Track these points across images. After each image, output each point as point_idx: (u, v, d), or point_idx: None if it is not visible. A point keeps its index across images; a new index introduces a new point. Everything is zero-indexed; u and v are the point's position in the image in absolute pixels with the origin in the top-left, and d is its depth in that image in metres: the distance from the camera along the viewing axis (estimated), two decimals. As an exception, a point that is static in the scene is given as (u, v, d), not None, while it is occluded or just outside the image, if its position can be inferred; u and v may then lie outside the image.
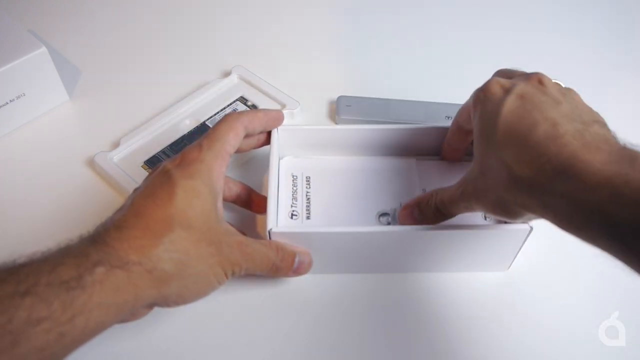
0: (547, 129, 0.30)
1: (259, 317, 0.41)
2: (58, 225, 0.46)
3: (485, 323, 0.41)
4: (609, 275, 0.44)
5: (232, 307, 0.42)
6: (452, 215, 0.38)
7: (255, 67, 0.59)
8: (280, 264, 0.38)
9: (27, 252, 0.30)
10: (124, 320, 0.32)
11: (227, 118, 0.39)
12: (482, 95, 0.35)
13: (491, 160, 0.33)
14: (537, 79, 0.34)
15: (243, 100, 0.57)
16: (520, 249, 0.41)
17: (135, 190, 0.36)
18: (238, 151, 0.41)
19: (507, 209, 0.33)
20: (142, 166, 0.50)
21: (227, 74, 0.59)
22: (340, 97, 0.56)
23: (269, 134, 0.44)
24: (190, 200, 0.33)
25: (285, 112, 0.55)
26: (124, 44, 0.65)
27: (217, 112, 0.55)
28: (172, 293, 0.32)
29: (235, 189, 0.43)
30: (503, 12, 0.71)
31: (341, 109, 0.55)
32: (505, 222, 0.39)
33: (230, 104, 0.56)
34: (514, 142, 0.31)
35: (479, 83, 0.36)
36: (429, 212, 0.39)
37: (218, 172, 0.36)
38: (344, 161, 0.47)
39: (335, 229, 0.40)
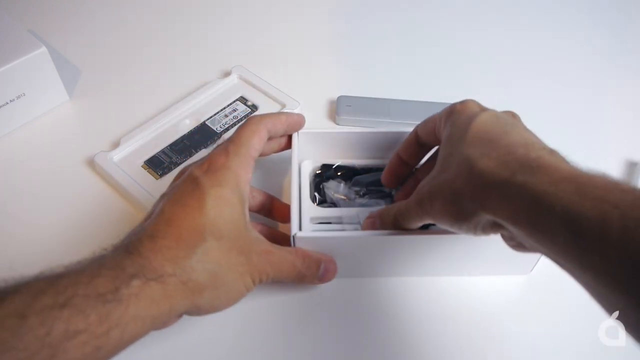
0: (518, 139, 0.31)
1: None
2: (58, 225, 0.46)
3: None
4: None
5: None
6: (407, 227, 0.38)
7: (255, 67, 0.59)
8: (306, 271, 0.38)
9: (63, 261, 0.30)
10: (155, 328, 0.32)
11: (251, 121, 0.39)
12: (459, 107, 0.36)
13: (454, 157, 0.33)
14: (510, 113, 0.36)
15: (243, 100, 0.57)
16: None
17: (163, 196, 0.36)
18: (260, 155, 0.40)
19: (459, 206, 0.31)
20: (142, 166, 0.50)
21: (227, 74, 0.59)
22: (340, 97, 0.56)
23: (289, 137, 0.44)
24: (220, 209, 0.33)
25: (285, 112, 0.55)
26: (124, 44, 0.65)
27: (217, 112, 0.55)
28: (204, 303, 0.32)
29: (259, 198, 0.43)
30: (503, 12, 0.71)
31: (341, 109, 0.55)
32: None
33: (230, 103, 0.56)
34: (483, 142, 0.31)
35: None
36: (388, 222, 0.38)
37: (245, 178, 0.36)
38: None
39: (360, 234, 0.39)
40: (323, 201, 0.45)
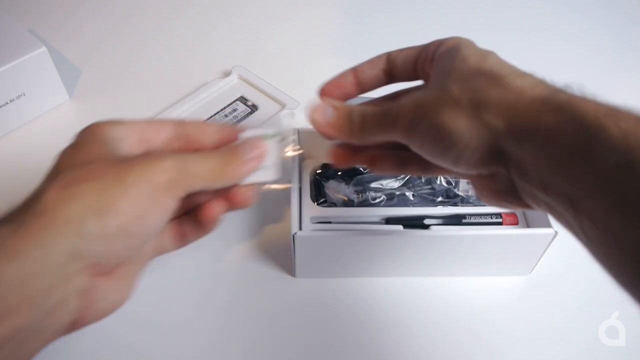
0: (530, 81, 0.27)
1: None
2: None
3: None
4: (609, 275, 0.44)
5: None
6: (367, 137, 0.30)
7: (255, 67, 0.59)
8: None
9: None
10: None
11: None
12: (449, 39, 0.32)
13: (470, 74, 0.28)
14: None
15: (243, 100, 0.57)
16: (543, 253, 0.41)
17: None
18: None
19: (472, 124, 0.26)
20: (142, 166, 0.50)
21: (227, 74, 0.59)
22: (340, 97, 0.56)
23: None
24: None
25: (285, 111, 0.55)
26: (124, 44, 0.65)
27: (217, 112, 0.55)
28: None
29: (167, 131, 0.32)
30: (503, 11, 0.71)
31: (341, 109, 0.55)
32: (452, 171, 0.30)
33: (230, 103, 0.56)
34: (482, 73, 0.28)
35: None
36: (347, 118, 0.31)
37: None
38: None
39: (361, 234, 0.39)
40: (323, 201, 0.45)
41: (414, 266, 0.42)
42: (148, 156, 0.28)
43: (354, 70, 0.36)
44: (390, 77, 0.36)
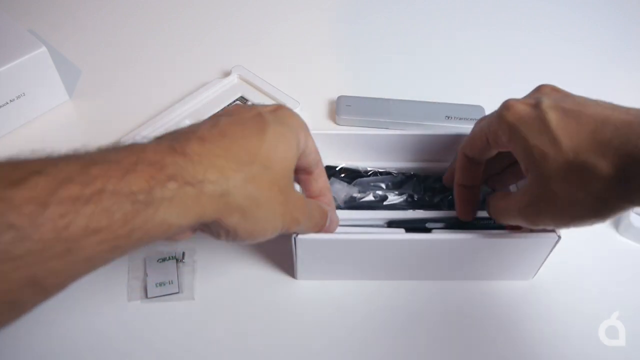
0: (614, 121, 0.30)
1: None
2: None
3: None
4: (610, 275, 0.44)
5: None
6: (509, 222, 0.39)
7: (255, 67, 0.59)
8: (321, 221, 0.37)
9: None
10: (172, 238, 0.30)
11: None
12: (511, 118, 0.34)
13: (564, 176, 0.32)
14: (548, 88, 0.35)
15: (243, 100, 0.57)
16: (546, 258, 0.41)
17: (216, 114, 0.34)
18: None
19: (605, 208, 0.31)
20: (142, 166, 0.50)
21: (227, 74, 0.59)
22: (340, 97, 0.56)
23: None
24: (277, 143, 0.32)
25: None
26: (124, 44, 0.65)
27: (217, 112, 0.55)
28: (229, 224, 0.30)
29: None
30: (503, 11, 0.71)
31: (341, 108, 0.55)
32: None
33: (230, 103, 0.56)
34: (587, 148, 0.31)
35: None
36: (503, 214, 0.38)
37: (304, 136, 0.35)
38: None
39: (363, 237, 0.39)
40: None
41: (415, 270, 0.42)
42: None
43: (460, 186, 0.42)
44: (479, 163, 0.40)
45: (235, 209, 0.29)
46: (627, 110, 0.31)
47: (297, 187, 0.39)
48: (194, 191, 0.27)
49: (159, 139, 0.30)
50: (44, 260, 0.23)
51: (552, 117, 0.32)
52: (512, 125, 0.34)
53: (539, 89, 0.36)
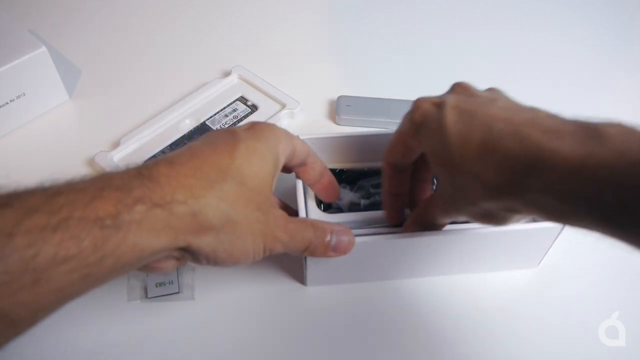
0: (501, 127, 0.28)
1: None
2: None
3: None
4: (610, 275, 0.44)
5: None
6: (442, 225, 0.38)
7: (255, 67, 0.59)
8: (316, 241, 0.36)
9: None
10: (148, 267, 0.29)
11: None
12: (417, 118, 0.33)
13: (458, 178, 0.31)
14: (460, 87, 0.34)
15: (243, 100, 0.57)
16: (551, 245, 0.41)
17: (192, 141, 0.34)
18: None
19: (494, 216, 0.31)
20: (142, 166, 0.50)
21: (227, 74, 0.59)
22: (340, 97, 0.56)
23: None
24: (250, 158, 0.31)
25: (285, 111, 0.55)
26: (124, 44, 0.65)
27: (217, 112, 0.55)
28: (206, 245, 0.29)
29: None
30: (503, 11, 0.71)
31: (341, 108, 0.55)
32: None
33: (230, 103, 0.56)
34: (473, 154, 0.29)
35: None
36: (417, 224, 0.39)
37: (284, 149, 0.34)
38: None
39: (365, 238, 0.39)
40: (329, 206, 0.45)
41: (423, 266, 0.42)
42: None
43: (387, 193, 0.40)
44: (404, 170, 0.39)
45: (208, 228, 0.29)
46: (531, 110, 0.30)
47: (299, 197, 0.39)
48: (164, 213, 0.27)
49: (130, 166, 0.29)
50: (12, 292, 0.22)
51: (449, 117, 0.31)
52: (418, 125, 0.33)
53: (452, 88, 0.35)
